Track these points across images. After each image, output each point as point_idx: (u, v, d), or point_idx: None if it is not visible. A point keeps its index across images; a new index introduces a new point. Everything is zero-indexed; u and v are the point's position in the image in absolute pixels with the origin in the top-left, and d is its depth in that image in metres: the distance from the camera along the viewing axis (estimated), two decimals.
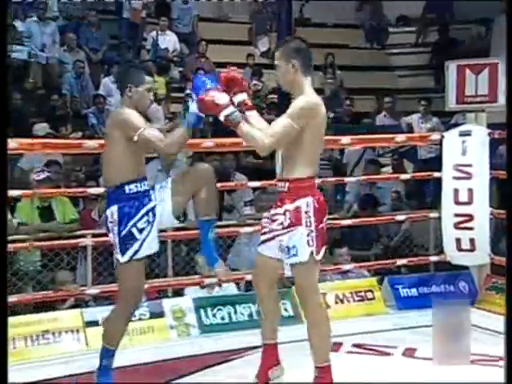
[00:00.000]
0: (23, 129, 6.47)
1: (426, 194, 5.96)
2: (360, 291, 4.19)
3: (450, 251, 4.30)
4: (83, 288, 4.11)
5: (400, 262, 4.46)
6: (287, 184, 2.79)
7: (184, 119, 2.81)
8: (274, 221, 2.85)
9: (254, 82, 8.36)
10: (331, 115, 8.09)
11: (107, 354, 2.94)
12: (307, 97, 2.77)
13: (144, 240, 2.84)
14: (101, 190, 4.02)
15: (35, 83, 7.54)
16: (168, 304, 3.92)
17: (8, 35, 7.52)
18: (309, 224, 2.72)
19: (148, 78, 2.94)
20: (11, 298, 3.69)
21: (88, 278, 4.24)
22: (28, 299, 3.86)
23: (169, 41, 8.49)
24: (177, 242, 4.96)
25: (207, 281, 4.02)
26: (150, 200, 2.89)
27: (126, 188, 2.84)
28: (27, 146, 3.54)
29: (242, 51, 8.97)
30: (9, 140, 3.39)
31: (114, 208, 2.84)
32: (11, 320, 3.55)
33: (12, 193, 3.72)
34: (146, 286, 3.83)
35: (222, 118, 2.73)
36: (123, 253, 2.83)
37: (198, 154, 5.92)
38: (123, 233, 2.82)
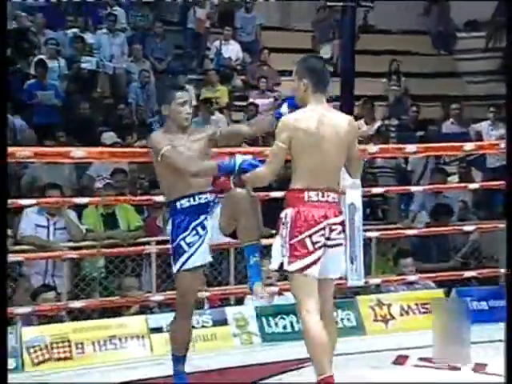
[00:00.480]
0: (91, 137, 6.72)
1: (495, 203, 5.77)
2: (426, 303, 4.09)
3: None
4: (148, 294, 4.20)
5: (468, 273, 4.34)
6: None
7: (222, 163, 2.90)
8: None
9: None
10: (395, 122, 7.98)
11: (177, 360, 3.10)
12: (296, 113, 2.88)
13: (193, 254, 3.00)
14: (162, 198, 4.10)
15: (103, 93, 7.83)
16: (231, 312, 3.95)
17: (78, 46, 7.88)
18: (284, 235, 2.80)
19: (179, 93, 3.06)
20: (79, 303, 3.84)
21: (153, 285, 4.33)
22: (96, 304, 3.98)
23: (232, 50, 8.65)
24: (239, 250, 4.99)
25: (269, 289, 4.01)
26: (203, 214, 3.03)
27: (178, 204, 3.03)
28: (96, 154, 3.64)
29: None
30: (78, 149, 3.56)
31: (170, 221, 3.12)
32: (80, 324, 3.68)
33: (79, 200, 3.86)
34: (208, 293, 3.94)
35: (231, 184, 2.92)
36: (174, 263, 3.03)
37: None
38: (174, 244, 3.03)
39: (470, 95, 8.65)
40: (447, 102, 8.01)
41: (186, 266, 3.00)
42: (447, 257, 5.22)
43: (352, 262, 3.70)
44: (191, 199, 3.02)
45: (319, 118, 2.84)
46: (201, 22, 8.78)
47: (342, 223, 2.89)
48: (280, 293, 4.15)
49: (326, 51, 9.27)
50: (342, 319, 3.93)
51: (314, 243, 2.79)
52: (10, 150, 3.42)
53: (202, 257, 3.02)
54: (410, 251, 4.80)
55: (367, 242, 4.82)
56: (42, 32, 8.00)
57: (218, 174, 2.94)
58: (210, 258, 3.06)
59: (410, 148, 4.10)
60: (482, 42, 9.51)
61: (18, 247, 4.30)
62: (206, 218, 3.03)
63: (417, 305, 4.10)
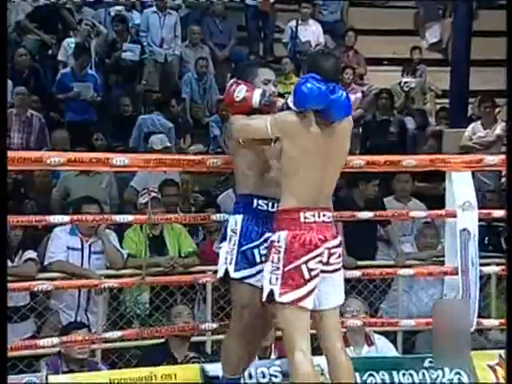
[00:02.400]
0: (135, 140, 6.92)
1: None
2: None
3: None
4: (201, 338, 4.28)
5: None
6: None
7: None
8: None
9: (406, 79, 8.17)
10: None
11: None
12: (294, 113, 2.99)
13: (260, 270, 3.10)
14: (225, 216, 4.18)
15: (150, 85, 7.97)
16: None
17: (120, 29, 8.01)
18: (275, 260, 2.94)
19: (263, 70, 3.25)
20: (115, 334, 3.85)
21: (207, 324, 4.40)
22: (135, 334, 3.95)
23: (311, 32, 8.68)
24: None
25: (353, 336, 4.02)
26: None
27: (255, 201, 3.16)
28: (140, 162, 3.67)
29: (404, 43, 8.96)
30: (119, 155, 3.67)
31: (235, 217, 3.19)
32: (119, 373, 3.74)
33: (120, 218, 3.96)
34: (275, 339, 3.96)
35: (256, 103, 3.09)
36: (236, 269, 3.14)
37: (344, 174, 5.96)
38: (241, 249, 3.14)
39: None
40: None
41: (253, 281, 3.12)
42: None
43: None
44: (270, 204, 3.15)
45: (314, 127, 2.97)
46: None
47: (340, 245, 3.04)
48: (371, 343, 4.14)
49: (432, 33, 9.20)
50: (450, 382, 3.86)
51: (310, 270, 2.95)
52: (38, 154, 3.60)
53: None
54: None
55: (485, 279, 4.75)
56: (79, 10, 8.21)
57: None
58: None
59: (489, 160, 3.94)
60: None
61: (45, 274, 4.41)
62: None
63: None
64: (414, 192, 5.83)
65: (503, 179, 6.50)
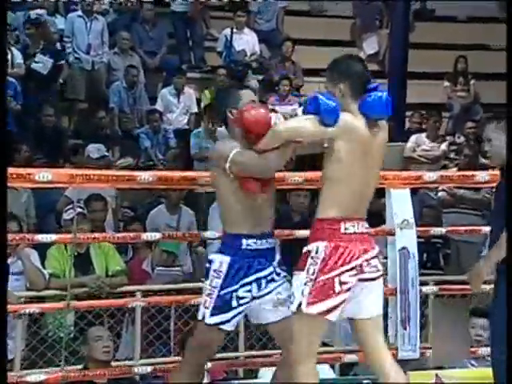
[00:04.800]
0: (62, 153, 6.77)
1: None
2: None
3: None
4: (129, 363, 4.21)
5: None
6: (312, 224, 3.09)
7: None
8: None
9: None
10: (460, 140, 7.97)
11: None
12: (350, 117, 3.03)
13: (236, 315, 3.16)
14: (157, 235, 4.13)
15: (75, 94, 7.85)
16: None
17: (40, 32, 7.78)
18: (311, 271, 2.97)
19: (245, 92, 3.25)
20: (37, 377, 3.77)
21: (136, 349, 4.34)
22: (56, 379, 3.86)
23: (246, 41, 8.72)
24: None
25: None
26: (269, 265, 3.21)
27: (244, 242, 3.15)
28: (65, 177, 3.63)
29: (341, 54, 9.04)
30: (41, 170, 3.58)
31: (217, 258, 3.19)
32: None
33: (42, 236, 3.87)
34: (209, 363, 3.93)
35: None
36: (213, 313, 3.14)
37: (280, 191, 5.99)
38: (221, 293, 3.15)
39: None
40: None
41: (225, 326, 3.16)
42: None
43: (404, 327, 3.68)
44: (259, 242, 3.16)
45: (369, 132, 3.01)
46: (196, 4, 8.60)
47: (378, 255, 3.06)
48: None
49: (370, 45, 9.34)
50: None
51: (342, 283, 2.97)
52: None
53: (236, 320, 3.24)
54: (485, 311, 4.76)
55: (424, 300, 4.82)
56: None
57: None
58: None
59: (481, 176, 4.07)
60: None
61: None
62: (273, 273, 3.20)
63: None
64: None
65: (440, 193, 6.65)
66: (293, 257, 4.83)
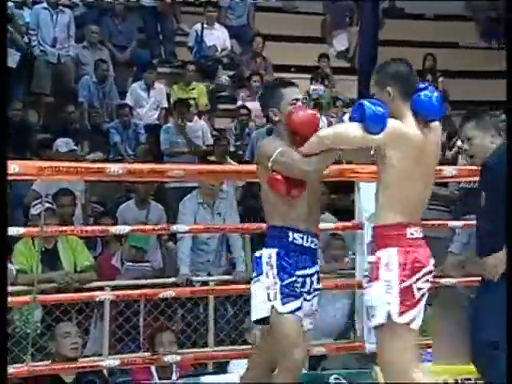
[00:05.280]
0: (29, 147, 6.70)
1: None
2: (468, 378, 4.09)
3: None
4: (98, 358, 4.18)
5: None
6: (373, 232, 3.05)
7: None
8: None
9: (313, 86, 8.27)
10: None
11: None
12: (405, 123, 3.01)
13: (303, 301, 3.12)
14: (126, 228, 4.10)
15: (41, 88, 7.72)
16: (209, 382, 3.95)
17: (10, 26, 7.68)
18: (388, 279, 2.92)
19: (289, 90, 3.19)
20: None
21: (104, 345, 4.31)
22: (21, 372, 3.83)
23: (217, 37, 8.69)
24: (221, 300, 5.00)
25: None
26: (314, 264, 3.18)
27: (290, 234, 3.11)
28: (33, 169, 3.61)
29: (312, 50, 9.09)
30: (10, 163, 3.52)
31: (268, 251, 3.13)
32: None
33: (9, 230, 3.79)
34: (178, 357, 3.93)
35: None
36: (284, 302, 3.05)
37: (251, 185, 6.00)
38: (284, 282, 3.07)
39: None
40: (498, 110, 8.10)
41: (300, 314, 3.08)
42: None
43: (371, 320, 3.71)
44: (305, 238, 3.12)
45: (422, 134, 3.00)
46: None
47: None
48: None
49: (340, 41, 9.38)
50: None
51: (419, 289, 2.95)
52: None
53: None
54: None
55: None
56: None
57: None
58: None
59: (448, 170, 4.09)
60: None
61: None
62: (315, 274, 3.18)
63: (457, 380, 4.09)
64: (328, 204, 5.89)
65: None
66: None
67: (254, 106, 8.13)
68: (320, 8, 9.72)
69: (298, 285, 3.10)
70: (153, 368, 4.20)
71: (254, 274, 3.15)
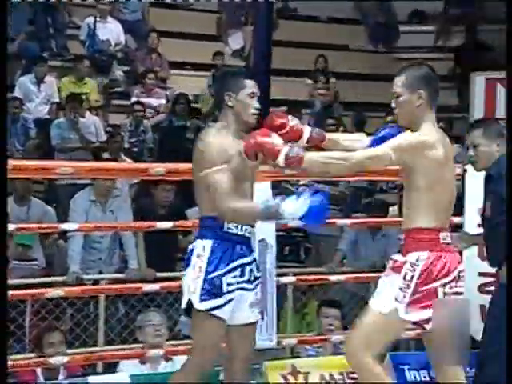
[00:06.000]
0: None
1: None
2: (352, 371, 4.20)
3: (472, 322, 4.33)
4: None
5: (407, 333, 4.48)
6: (403, 235, 3.09)
7: (266, 205, 2.92)
8: None
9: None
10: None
11: None
12: (422, 134, 3.02)
13: (229, 300, 3.01)
14: (12, 226, 3.98)
15: None
16: (96, 382, 3.88)
17: None
18: (408, 278, 2.96)
19: (250, 82, 3.11)
20: None
21: None
22: None
23: (110, 30, 8.56)
24: (112, 299, 4.94)
25: (151, 353, 4.00)
26: (250, 253, 3.11)
27: (225, 225, 3.02)
28: None
29: (207, 48, 9.10)
30: None
31: (200, 243, 3.05)
32: None
33: None
34: (65, 358, 3.85)
35: (281, 160, 2.90)
36: (202, 299, 2.98)
37: (145, 183, 5.95)
38: (207, 277, 2.99)
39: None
40: (385, 111, 8.34)
41: (219, 313, 2.99)
42: None
43: (262, 317, 3.75)
44: (239, 226, 3.04)
45: (446, 140, 3.03)
46: None
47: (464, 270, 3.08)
48: (168, 358, 4.15)
49: (235, 40, 9.42)
50: None
51: (445, 294, 2.99)
52: None
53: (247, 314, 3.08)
54: (337, 302, 4.93)
55: (282, 290, 4.92)
56: None
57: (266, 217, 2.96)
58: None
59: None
60: (430, 38, 10.02)
61: None
62: (254, 263, 3.10)
63: (341, 374, 4.19)
64: None
65: (300, 188, 6.81)
66: None
67: (148, 102, 8.10)
68: (215, 6, 9.74)
69: (237, 276, 3.03)
70: (38, 369, 4.10)
71: (185, 265, 3.10)
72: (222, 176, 2.95)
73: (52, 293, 3.90)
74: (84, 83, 7.90)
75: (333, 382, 4.16)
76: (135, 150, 7.45)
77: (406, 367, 4.27)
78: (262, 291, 3.42)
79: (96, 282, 4.93)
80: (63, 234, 5.47)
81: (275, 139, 2.92)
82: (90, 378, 3.92)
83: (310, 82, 8.99)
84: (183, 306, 3.06)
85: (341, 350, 4.47)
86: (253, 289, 3.09)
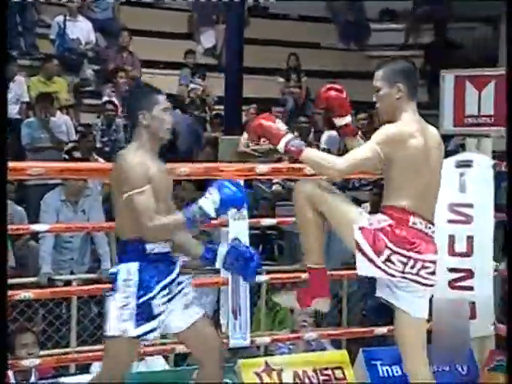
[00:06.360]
0: None
1: None
2: (325, 368, 4.22)
3: None
4: None
5: (379, 330, 4.51)
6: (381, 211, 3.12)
7: (189, 212, 2.96)
8: None
9: (192, 85, 8.41)
10: (294, 133, 8.21)
11: None
12: (401, 125, 3.07)
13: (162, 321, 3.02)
14: None
15: None
16: (68, 383, 3.87)
17: None
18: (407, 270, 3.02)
19: (162, 97, 3.07)
20: None
21: None
22: None
23: (81, 29, 8.51)
24: (84, 299, 4.91)
25: None
26: (173, 268, 3.09)
27: (147, 247, 2.99)
28: None
29: (178, 47, 9.08)
30: None
31: (124, 267, 3.00)
32: None
33: None
34: (38, 360, 3.82)
35: (282, 145, 3.03)
36: (137, 325, 2.96)
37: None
38: (138, 302, 2.96)
39: None
40: (356, 109, 8.39)
41: (150, 336, 3.00)
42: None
43: (235, 316, 3.75)
44: (159, 245, 3.01)
45: (428, 129, 3.07)
46: None
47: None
48: (141, 358, 4.14)
49: (207, 38, 9.42)
50: None
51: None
52: None
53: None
54: None
55: (256, 289, 4.94)
56: None
57: (192, 224, 2.98)
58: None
59: (261, 168, 4.01)
60: (401, 36, 10.11)
61: None
62: (177, 275, 3.08)
63: (315, 371, 4.20)
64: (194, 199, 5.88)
65: (274, 187, 6.82)
66: None
67: (120, 101, 8.05)
68: (187, 4, 9.72)
69: (165, 293, 3.01)
70: (10, 371, 4.06)
71: (110, 289, 3.03)
72: (145, 197, 2.93)
73: (22, 295, 3.86)
74: (53, 82, 7.84)
75: (306, 379, 4.18)
76: (107, 149, 7.41)
77: (378, 362, 4.30)
78: (234, 289, 3.45)
79: (68, 282, 4.90)
80: (34, 235, 5.42)
81: (279, 124, 3.04)
82: (63, 379, 3.90)
83: (281, 80, 9.01)
84: (108, 332, 2.99)
85: (313, 347, 4.51)
86: (187, 293, 3.09)
